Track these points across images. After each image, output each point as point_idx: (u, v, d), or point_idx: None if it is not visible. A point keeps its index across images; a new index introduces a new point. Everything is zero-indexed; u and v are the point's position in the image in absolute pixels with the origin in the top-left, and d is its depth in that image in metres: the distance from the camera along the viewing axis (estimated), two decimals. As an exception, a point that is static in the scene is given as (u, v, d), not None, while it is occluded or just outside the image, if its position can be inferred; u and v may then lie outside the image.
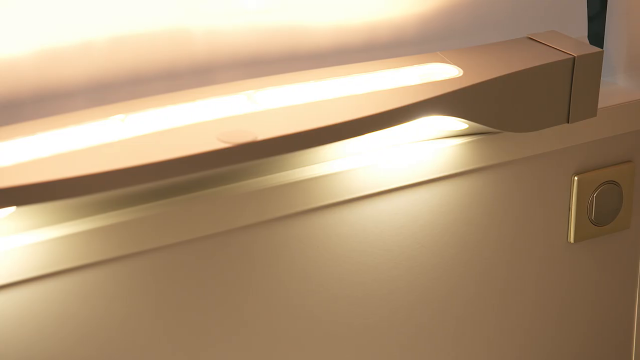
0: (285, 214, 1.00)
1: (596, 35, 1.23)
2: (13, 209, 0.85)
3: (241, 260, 1.00)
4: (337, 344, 1.09)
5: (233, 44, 1.02)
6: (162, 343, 0.98)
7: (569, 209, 1.18)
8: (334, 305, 1.07)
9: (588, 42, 1.19)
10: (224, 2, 1.00)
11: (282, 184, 0.98)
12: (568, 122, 1.07)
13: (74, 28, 0.94)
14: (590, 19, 1.21)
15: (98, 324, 0.94)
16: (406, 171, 1.05)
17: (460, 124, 1.04)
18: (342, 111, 0.92)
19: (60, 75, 0.94)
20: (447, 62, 1.03)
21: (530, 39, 1.09)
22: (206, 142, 0.86)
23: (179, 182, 0.95)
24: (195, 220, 0.95)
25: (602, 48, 1.15)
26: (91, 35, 0.95)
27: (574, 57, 1.04)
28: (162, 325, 0.98)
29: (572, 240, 1.19)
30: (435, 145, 1.06)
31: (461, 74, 1.01)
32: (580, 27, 1.20)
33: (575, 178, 1.17)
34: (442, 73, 1.02)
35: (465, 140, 1.07)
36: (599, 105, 1.09)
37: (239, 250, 0.99)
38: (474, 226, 1.12)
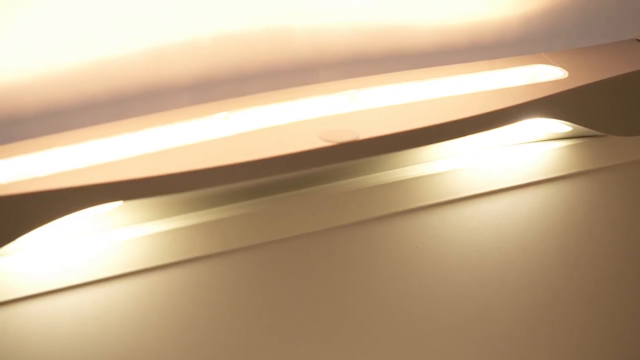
0: (385, 213, 1.00)
1: None
2: (119, 203, 0.87)
3: (340, 259, 1.00)
4: (434, 342, 1.08)
5: (335, 43, 1.02)
6: (260, 338, 0.99)
7: (675, 215, 1.15)
8: (432, 304, 1.06)
9: (698, 45, 1.16)
10: (327, 1, 1.01)
11: (382, 184, 0.98)
12: (676, 126, 1.04)
13: (179, 27, 0.95)
14: (700, 20, 1.18)
15: (199, 317, 0.95)
16: (508, 173, 1.04)
17: (565, 126, 1.03)
18: (445, 112, 0.91)
19: (166, 73, 0.96)
20: (551, 64, 1.02)
21: (639, 40, 1.07)
22: (308, 141, 0.86)
23: (279, 180, 0.96)
24: (294, 218, 0.96)
25: None
26: (196, 34, 0.96)
27: (684, 60, 1.02)
28: (261, 320, 0.99)
29: (677, 247, 1.16)
30: (538, 147, 1.04)
31: (566, 75, 0.99)
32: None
33: (682, 183, 1.14)
34: (547, 74, 1.01)
35: (569, 143, 1.05)
36: None
37: (338, 249, 0.99)
38: (576, 230, 1.11)
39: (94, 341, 0.91)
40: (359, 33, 1.03)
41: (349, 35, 1.02)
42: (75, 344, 0.90)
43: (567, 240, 1.10)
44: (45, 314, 0.88)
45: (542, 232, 1.09)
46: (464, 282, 1.07)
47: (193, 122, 0.90)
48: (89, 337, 0.90)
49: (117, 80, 0.93)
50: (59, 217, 0.80)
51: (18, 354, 0.87)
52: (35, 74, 0.90)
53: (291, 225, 0.96)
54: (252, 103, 0.93)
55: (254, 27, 0.99)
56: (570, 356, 1.16)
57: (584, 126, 1.00)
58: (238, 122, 0.91)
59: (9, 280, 0.85)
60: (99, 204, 0.82)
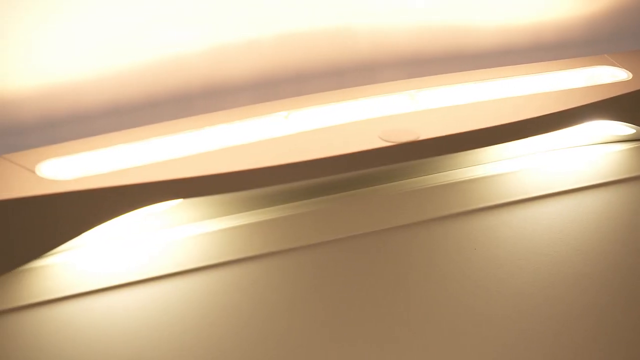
0: (444, 214, 0.99)
1: None
2: (180, 200, 0.88)
3: (398, 259, 1.00)
4: (492, 341, 1.07)
5: (396, 42, 1.02)
6: (316, 337, 0.99)
7: None
8: (491, 304, 1.05)
9: None
10: (389, 1, 1.01)
11: (441, 184, 0.98)
12: None
13: (241, 27, 0.96)
14: None
15: (256, 314, 0.96)
16: (568, 175, 1.03)
17: (628, 128, 1.01)
18: (506, 113, 0.91)
19: (228, 72, 0.97)
20: (615, 65, 1.01)
21: None
22: (368, 141, 0.86)
23: (338, 180, 0.96)
24: (353, 217, 0.96)
25: None
26: (257, 34, 0.97)
27: None
28: (317, 319, 0.99)
29: None
30: (599, 150, 1.03)
31: (630, 77, 0.98)
32: None
33: None
34: (610, 76, 1.00)
35: (632, 146, 1.04)
36: None
37: (396, 249, 0.99)
38: (637, 234, 1.09)
39: (152, 337, 0.91)
40: (420, 33, 1.02)
41: (409, 35, 1.02)
42: (133, 339, 0.91)
43: (628, 244, 1.09)
44: (105, 310, 0.89)
45: (602, 235, 1.08)
46: (522, 283, 1.06)
47: (253, 120, 0.91)
48: (147, 333, 0.91)
49: (179, 79, 0.94)
50: (122, 213, 0.81)
51: (80, 347, 0.89)
52: (99, 73, 0.91)
53: (349, 225, 0.96)
54: (312, 102, 0.93)
55: (316, 27, 0.99)
56: (628, 356, 1.15)
57: (648, 129, 0.99)
58: (298, 121, 0.91)
59: (72, 276, 0.86)
60: (160, 201, 0.82)
